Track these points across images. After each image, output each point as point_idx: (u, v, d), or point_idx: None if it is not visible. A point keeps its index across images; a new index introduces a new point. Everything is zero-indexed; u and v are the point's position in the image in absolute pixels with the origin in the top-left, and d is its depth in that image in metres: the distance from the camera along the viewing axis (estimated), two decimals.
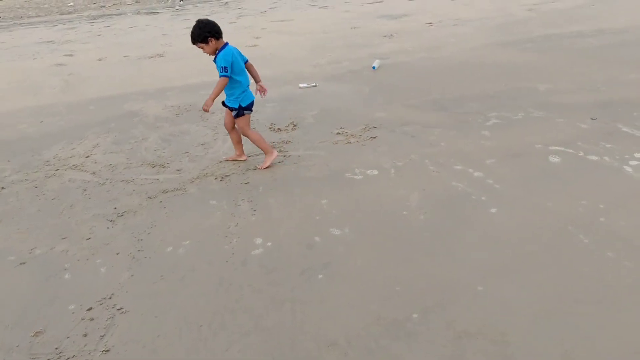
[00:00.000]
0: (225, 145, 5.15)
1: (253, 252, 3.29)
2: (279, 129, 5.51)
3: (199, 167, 4.67)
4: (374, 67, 7.66)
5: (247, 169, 4.54)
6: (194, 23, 4.27)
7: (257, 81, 4.56)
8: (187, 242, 3.47)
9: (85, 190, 4.42)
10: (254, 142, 4.54)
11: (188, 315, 2.75)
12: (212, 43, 4.17)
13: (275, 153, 4.56)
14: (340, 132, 5.27)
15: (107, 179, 4.58)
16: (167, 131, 5.75)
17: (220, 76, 4.18)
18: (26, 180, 4.74)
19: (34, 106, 7.20)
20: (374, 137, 5.04)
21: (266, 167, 4.47)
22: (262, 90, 4.57)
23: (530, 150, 4.38)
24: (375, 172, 4.28)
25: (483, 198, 3.66)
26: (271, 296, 2.86)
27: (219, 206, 3.92)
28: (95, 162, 5.01)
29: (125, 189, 4.36)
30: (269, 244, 3.37)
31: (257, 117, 5.93)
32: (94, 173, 4.73)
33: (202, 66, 8.60)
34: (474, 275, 2.85)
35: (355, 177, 4.23)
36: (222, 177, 4.42)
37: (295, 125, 5.58)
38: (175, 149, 5.18)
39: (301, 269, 3.08)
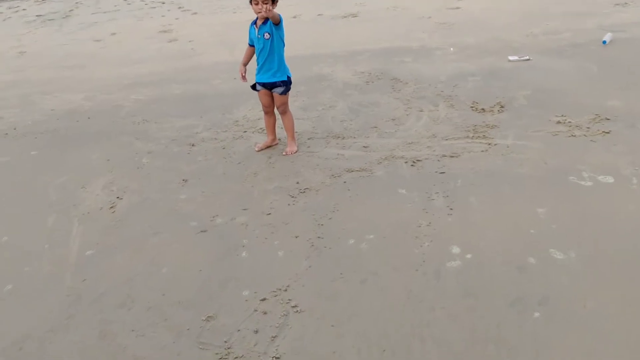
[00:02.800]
0: (419, 124, 4.66)
1: (448, 264, 2.80)
2: (482, 109, 4.83)
3: (388, 146, 4.27)
4: (604, 42, 6.41)
5: (443, 155, 4.00)
6: None
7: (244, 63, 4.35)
8: (372, 236, 3.11)
9: (269, 158, 4.32)
10: (290, 124, 4.36)
11: (369, 332, 2.39)
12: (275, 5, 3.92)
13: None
14: (561, 120, 4.41)
15: None
16: (356, 100, 5.43)
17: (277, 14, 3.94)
18: (215, 139, 4.81)
19: (229, 61, 7.44)
20: (607, 132, 4.11)
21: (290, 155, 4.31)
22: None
23: None
24: (610, 179, 3.44)
25: None
26: (471, 328, 2.36)
27: (409, 197, 3.48)
28: (281, 128, 4.90)
29: (309, 162, 4.15)
30: (469, 256, 2.84)
31: (456, 93, 5.30)
32: (279, 139, 4.60)
33: (398, 29, 8.12)
34: None
35: (583, 182, 3.44)
36: (414, 162, 3.96)
37: (502, 107, 4.84)
38: (363, 122, 4.84)
39: (510, 298, 2.51)
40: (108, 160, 4.59)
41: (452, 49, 6.86)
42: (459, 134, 4.36)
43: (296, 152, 4.35)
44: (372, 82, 5.99)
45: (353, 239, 3.10)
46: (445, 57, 6.65)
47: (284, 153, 4.34)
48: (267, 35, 4.07)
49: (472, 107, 4.93)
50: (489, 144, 4.13)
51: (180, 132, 5.08)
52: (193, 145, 4.74)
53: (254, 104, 5.57)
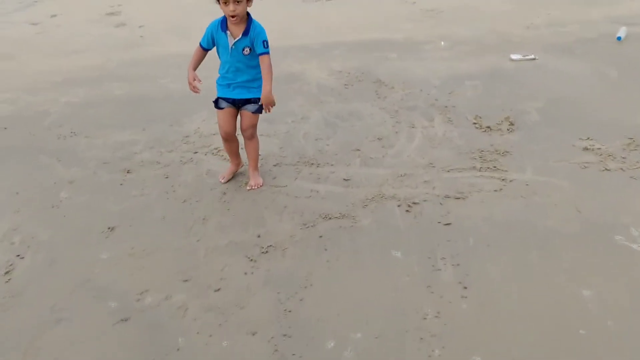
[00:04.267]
0: (411, 146, 3.80)
1: None
2: (488, 127, 3.99)
3: (375, 180, 3.40)
4: (619, 38, 5.62)
5: (446, 196, 3.16)
6: None
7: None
8: (359, 335, 2.27)
9: (224, 193, 3.41)
10: (256, 152, 3.49)
11: None
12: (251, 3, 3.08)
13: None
14: (588, 146, 3.61)
15: None
16: (334, 109, 4.53)
17: (265, 53, 3.15)
18: (157, 163, 3.87)
19: (181, 54, 6.40)
20: None
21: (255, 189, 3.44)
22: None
23: None
24: None
25: None
26: None
27: (407, 265, 2.64)
28: (242, 149, 3.97)
29: (275, 201, 3.26)
30: None
31: (453, 102, 4.44)
32: (244, 163, 3.69)
33: (378, 16, 7.19)
34: None
35: (635, 246, 2.64)
36: (410, 205, 3.10)
37: (512, 124, 4.01)
38: (342, 141, 3.95)
39: None
40: (17, 193, 3.61)
41: (442, 43, 5.99)
42: (463, 163, 3.52)
43: (262, 185, 3.44)
44: (352, 84, 5.08)
45: (333, 341, 2.24)
46: (435, 53, 5.77)
47: (247, 187, 3.45)
48: (246, 51, 3.15)
49: (474, 123, 4.08)
50: (503, 179, 3.30)
51: (115, 151, 4.11)
52: (129, 171, 3.79)
53: (210, 113, 4.61)
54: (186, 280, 2.66)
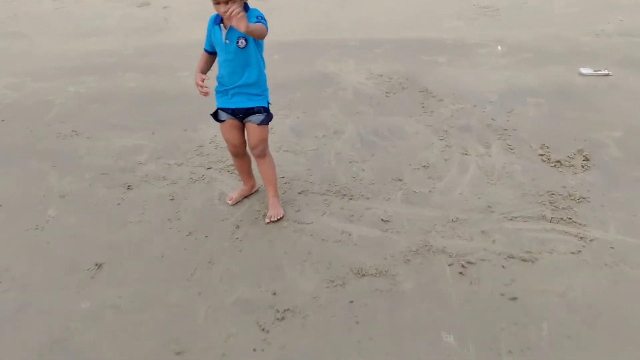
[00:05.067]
0: (464, 180, 3.18)
1: None
2: (557, 161, 3.35)
3: (420, 224, 2.81)
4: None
5: (509, 256, 2.55)
6: None
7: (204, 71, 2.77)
8: None
9: (237, 227, 2.86)
10: (272, 174, 2.92)
11: None
12: None
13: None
14: None
15: (260, 205, 2.94)
16: (371, 124, 3.93)
17: (259, 23, 2.47)
18: (163, 179, 3.34)
19: None
20: None
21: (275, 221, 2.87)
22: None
23: None
24: None
25: None
26: None
27: (462, 355, 2.04)
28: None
29: (297, 245, 2.72)
30: None
31: (514, 124, 3.80)
32: (260, 186, 3.14)
33: (426, 10, 6.50)
34: None
35: None
36: (464, 266, 2.50)
37: (587, 159, 3.36)
38: (380, 166, 3.37)
39: None
40: (0, 205, 3.13)
41: (499, 47, 5.30)
42: (529, 209, 2.89)
43: (283, 217, 2.89)
44: (394, 92, 4.46)
45: None
46: (491, 59, 5.09)
47: (266, 220, 2.89)
48: (241, 43, 2.59)
49: (541, 154, 3.44)
50: (581, 237, 2.66)
51: (117, 158, 3.60)
52: (129, 187, 3.27)
53: None
54: (179, 353, 2.12)
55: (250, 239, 2.77)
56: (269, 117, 2.79)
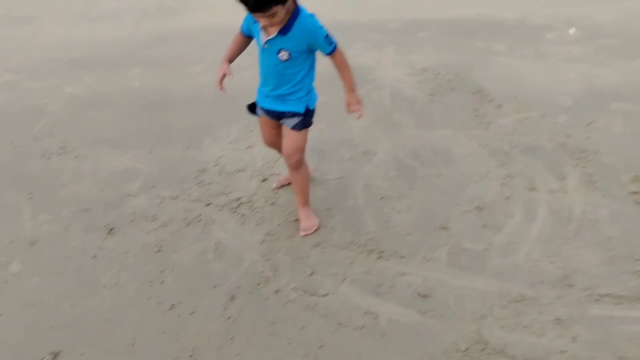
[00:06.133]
0: (530, 231, 2.45)
1: None
2: None
3: (471, 305, 2.13)
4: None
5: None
6: None
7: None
8: None
9: (232, 298, 2.25)
10: (304, 186, 2.55)
11: None
12: (290, 3, 2.03)
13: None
14: None
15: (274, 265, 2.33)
16: (410, 141, 3.22)
17: (334, 50, 2.19)
18: (153, 219, 2.77)
19: (227, 29, 5.19)
20: None
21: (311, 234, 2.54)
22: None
23: None
24: None
25: None
26: None
27: None
28: (273, 204, 2.80)
29: (308, 328, 2.10)
30: None
31: (596, 144, 3.01)
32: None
33: None
34: None
35: None
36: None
37: None
38: (420, 207, 2.68)
39: None
40: None
41: (572, 30, 4.38)
42: (623, 283, 2.16)
43: (317, 229, 2.55)
44: (440, 95, 3.69)
45: None
46: (562, 47, 4.20)
47: (301, 233, 2.55)
48: (283, 55, 2.14)
49: (634, 191, 2.64)
50: None
51: (104, 187, 3.05)
52: (111, 231, 2.72)
53: (243, 129, 3.42)
54: None
55: (247, 319, 2.16)
56: (305, 122, 2.36)
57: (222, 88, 2.37)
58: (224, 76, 2.33)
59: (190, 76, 4.32)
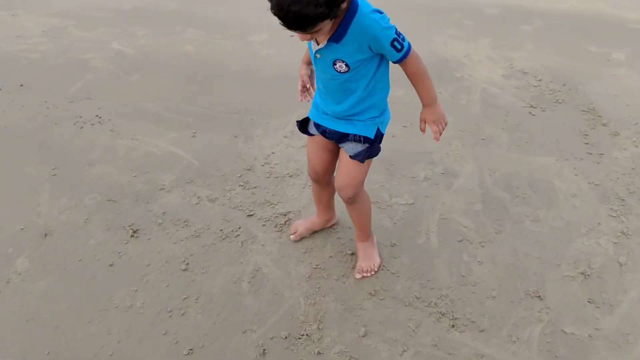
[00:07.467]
0: None
1: None
2: None
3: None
4: None
5: None
6: None
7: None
8: None
9: (263, 352, 1.85)
10: (366, 219, 2.08)
11: None
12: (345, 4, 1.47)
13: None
14: None
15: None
16: (502, 166, 2.69)
17: (404, 56, 1.59)
18: (185, 224, 2.38)
19: None
20: None
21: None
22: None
23: None
24: None
25: None
26: None
27: None
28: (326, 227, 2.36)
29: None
30: None
31: None
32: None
33: None
34: None
35: None
36: None
37: None
38: (508, 262, 2.19)
39: None
40: None
41: None
42: None
43: (378, 269, 2.13)
44: (543, 108, 3.12)
45: None
46: None
47: (357, 275, 2.12)
48: (340, 67, 1.62)
49: None
50: None
51: (137, 173, 2.69)
52: (135, 233, 2.38)
53: (282, 122, 2.98)
54: None
55: None
56: (371, 152, 1.84)
57: (304, 98, 1.89)
58: (304, 86, 1.86)
59: (250, 46, 3.87)
